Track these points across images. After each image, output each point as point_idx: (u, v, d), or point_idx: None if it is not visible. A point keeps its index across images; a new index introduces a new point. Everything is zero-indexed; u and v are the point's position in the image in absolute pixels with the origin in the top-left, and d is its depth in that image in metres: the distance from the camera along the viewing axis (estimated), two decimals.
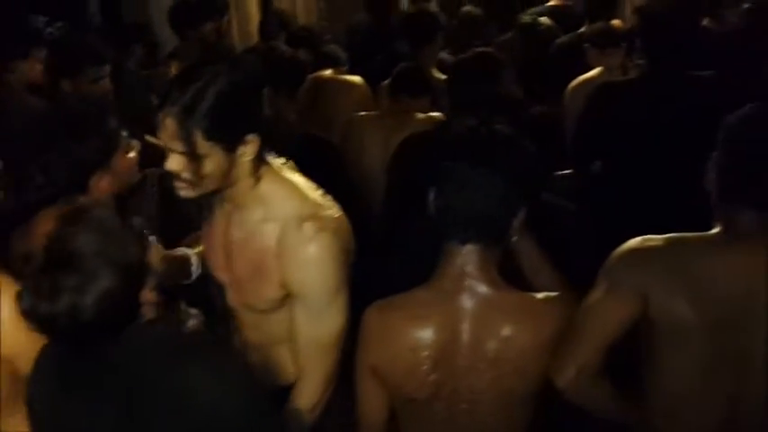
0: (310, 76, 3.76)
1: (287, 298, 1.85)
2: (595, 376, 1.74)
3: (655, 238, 1.74)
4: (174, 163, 1.72)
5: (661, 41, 2.88)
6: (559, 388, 1.73)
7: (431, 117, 3.33)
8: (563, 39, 4.63)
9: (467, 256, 1.69)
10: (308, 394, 1.88)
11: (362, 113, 3.58)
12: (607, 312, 1.73)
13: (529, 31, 4.61)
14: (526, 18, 4.73)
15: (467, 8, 5.26)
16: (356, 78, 3.99)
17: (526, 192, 1.71)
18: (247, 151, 1.75)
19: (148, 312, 1.57)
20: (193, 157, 1.69)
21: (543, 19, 4.76)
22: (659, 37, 2.88)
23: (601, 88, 3.11)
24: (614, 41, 3.94)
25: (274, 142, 1.84)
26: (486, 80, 2.75)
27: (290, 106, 3.09)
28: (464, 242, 1.69)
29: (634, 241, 1.76)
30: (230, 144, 1.72)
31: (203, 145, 1.69)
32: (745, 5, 4.44)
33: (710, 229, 1.74)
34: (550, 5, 5.37)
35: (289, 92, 3.08)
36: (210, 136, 1.69)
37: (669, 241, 1.73)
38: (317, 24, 6.83)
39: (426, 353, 1.72)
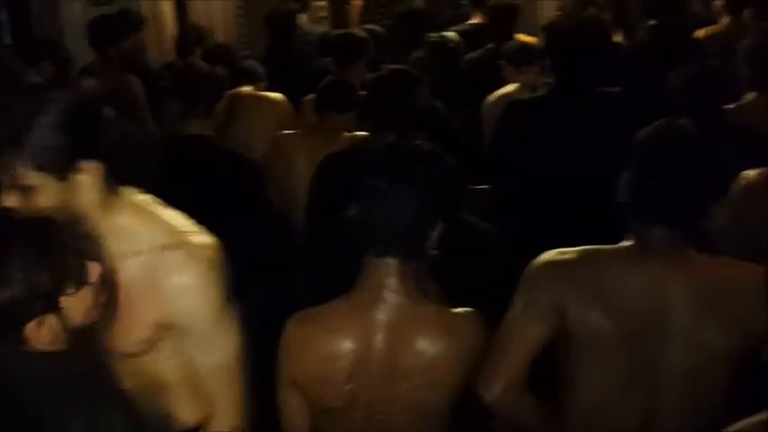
0: (228, 92, 3.73)
1: (160, 337, 1.75)
2: (521, 389, 1.78)
3: (569, 251, 1.79)
4: (10, 199, 1.61)
5: (567, 59, 2.94)
6: (487, 403, 1.76)
7: (356, 135, 3.33)
8: (472, 55, 4.73)
9: (384, 270, 1.72)
10: (228, 423, 1.84)
11: (288, 132, 3.56)
12: (528, 326, 1.77)
13: (437, 49, 4.67)
14: (434, 36, 4.81)
15: (370, 26, 5.32)
16: (276, 95, 3.97)
17: (443, 206, 1.74)
18: (84, 179, 1.64)
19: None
20: (25, 189, 1.59)
21: (452, 35, 4.84)
22: (566, 54, 2.95)
23: (511, 105, 3.17)
24: (529, 59, 4.04)
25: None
26: (402, 96, 2.77)
27: (206, 123, 3.04)
28: (382, 256, 1.71)
29: (549, 254, 1.80)
30: (61, 173, 1.61)
31: (33, 176, 1.59)
32: (650, 22, 4.62)
33: (621, 241, 1.79)
34: (472, 23, 5.47)
35: (205, 109, 3.03)
36: (39, 166, 1.58)
37: (583, 254, 1.78)
38: (236, 40, 6.79)
39: (342, 363, 1.74)
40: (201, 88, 3.03)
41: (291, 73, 4.55)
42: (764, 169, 2.54)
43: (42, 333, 1.51)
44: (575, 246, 1.80)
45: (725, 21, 4.96)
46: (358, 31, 4.53)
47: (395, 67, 3.15)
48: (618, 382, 1.74)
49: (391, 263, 1.71)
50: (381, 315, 1.72)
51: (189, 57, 4.44)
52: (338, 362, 1.73)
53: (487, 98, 3.99)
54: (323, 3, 7.34)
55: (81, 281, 1.55)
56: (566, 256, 1.78)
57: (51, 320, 1.52)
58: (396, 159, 1.71)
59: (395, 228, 1.68)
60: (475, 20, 5.50)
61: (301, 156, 3.33)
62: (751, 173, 2.53)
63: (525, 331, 1.77)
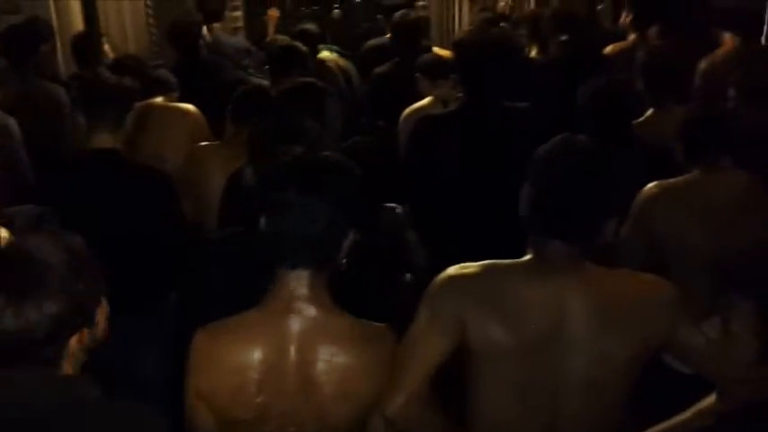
0: (138, 104, 3.63)
1: None
2: (423, 404, 1.78)
3: (471, 266, 1.81)
4: None
5: (475, 73, 2.98)
6: (388, 417, 1.75)
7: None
8: (380, 69, 4.77)
9: (296, 281, 1.71)
10: None
11: (204, 144, 3.49)
12: (430, 340, 1.78)
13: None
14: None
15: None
16: (188, 106, 3.89)
17: (354, 216, 1.74)
18: None
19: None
20: None
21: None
22: (474, 69, 2.98)
23: (421, 121, 3.19)
24: (444, 72, 4.08)
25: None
26: (310, 109, 2.77)
27: (115, 136, 2.95)
28: (293, 267, 1.71)
29: (452, 269, 1.82)
30: None
31: None
32: (562, 37, 4.74)
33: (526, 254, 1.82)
34: (389, 37, 5.50)
35: (114, 121, 2.95)
36: None
37: (484, 269, 1.80)
38: (148, 50, 6.66)
39: (253, 375, 1.72)
40: (109, 100, 2.95)
41: (201, 84, 4.49)
42: (663, 181, 2.64)
43: (80, 348, 1.54)
44: (481, 259, 1.82)
45: (632, 37, 5.13)
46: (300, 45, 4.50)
47: (303, 80, 3.14)
48: (519, 396, 1.77)
49: (303, 274, 1.71)
50: (294, 326, 1.71)
51: (97, 67, 4.32)
52: (249, 373, 1.71)
53: (404, 112, 4.01)
54: (238, 13, 7.29)
55: (103, 293, 1.61)
56: (467, 271, 1.80)
57: (86, 334, 1.55)
58: (304, 171, 1.72)
59: (306, 239, 1.68)
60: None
61: (217, 168, 3.27)
62: (651, 185, 2.63)
63: (427, 346, 1.77)
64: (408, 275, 2.90)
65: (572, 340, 1.73)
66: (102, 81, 3.09)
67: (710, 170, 2.61)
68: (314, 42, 5.08)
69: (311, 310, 1.71)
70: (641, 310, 1.74)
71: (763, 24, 4.93)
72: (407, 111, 3.98)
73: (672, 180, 2.66)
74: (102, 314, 1.60)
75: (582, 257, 1.76)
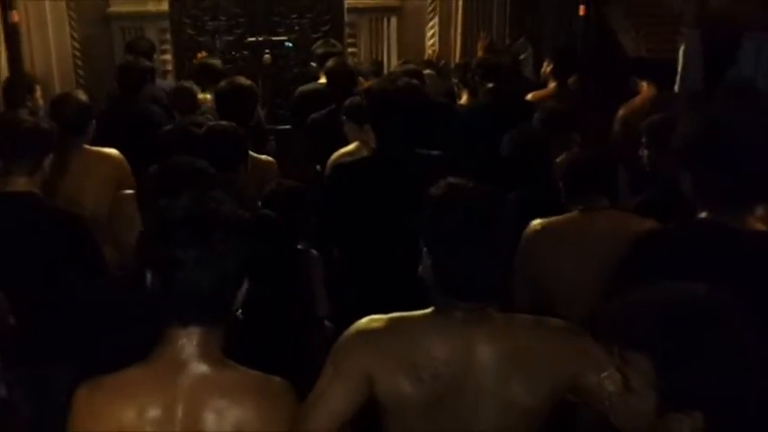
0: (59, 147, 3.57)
1: None
2: None
3: (378, 319, 1.80)
4: None
5: (387, 121, 2.98)
6: None
7: None
8: (315, 115, 4.79)
9: (187, 338, 1.64)
10: None
11: (129, 191, 3.42)
12: (334, 396, 1.74)
13: None
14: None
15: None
16: (110, 150, 3.84)
17: (247, 265, 1.69)
18: None
19: None
20: None
21: None
22: (385, 116, 2.98)
23: (334, 169, 3.19)
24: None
25: None
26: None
27: (33, 180, 2.90)
28: (185, 324, 1.64)
29: (359, 323, 1.81)
30: None
31: None
32: (489, 85, 4.87)
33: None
34: (321, 83, 5.54)
35: (31, 164, 2.89)
36: None
37: (391, 322, 1.79)
38: (75, 90, 6.57)
39: None
40: (26, 143, 2.89)
41: (135, 128, 4.45)
42: (546, 219, 2.73)
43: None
44: (391, 311, 1.82)
45: (552, 85, 5.30)
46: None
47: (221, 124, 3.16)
48: None
49: (194, 331, 1.64)
50: (182, 382, 1.63)
51: (19, 108, 4.23)
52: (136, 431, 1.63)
53: (331, 158, 4.02)
54: (167, 56, 7.27)
55: None
56: (374, 326, 1.79)
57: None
58: (192, 224, 1.64)
59: (198, 295, 1.62)
60: (323, 79, 5.58)
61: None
62: (535, 222, 2.72)
63: (331, 402, 1.74)
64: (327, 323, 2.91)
65: (481, 391, 1.73)
66: (18, 123, 3.02)
67: (588, 209, 2.73)
68: (217, 77, 5.10)
69: (201, 366, 1.64)
70: (548, 357, 1.75)
71: (675, 74, 5.16)
72: (333, 156, 3.99)
73: (554, 217, 2.76)
74: None
75: (486, 305, 1.76)
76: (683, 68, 5.55)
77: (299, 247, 3.02)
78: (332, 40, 6.21)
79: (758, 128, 1.94)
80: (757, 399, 1.24)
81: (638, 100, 4.72)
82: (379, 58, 7.17)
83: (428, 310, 1.80)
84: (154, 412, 1.63)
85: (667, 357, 1.27)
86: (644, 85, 4.81)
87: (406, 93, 3.03)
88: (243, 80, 4.27)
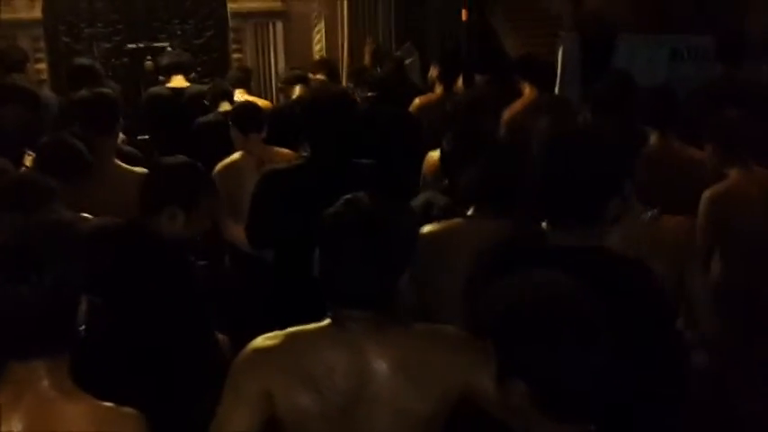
0: None
1: None
2: None
3: (274, 336, 1.78)
4: None
5: (320, 130, 2.98)
6: None
7: None
8: (207, 117, 4.71)
9: (27, 372, 1.56)
10: None
11: None
12: (240, 418, 1.72)
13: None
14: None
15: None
16: None
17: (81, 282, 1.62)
18: None
19: None
20: None
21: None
22: (319, 126, 2.98)
23: (269, 174, 3.13)
24: (257, 125, 3.99)
25: None
26: None
27: None
28: (23, 358, 1.56)
29: (254, 342, 1.78)
30: None
31: None
32: (368, 93, 4.90)
33: None
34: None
35: None
36: None
37: (285, 337, 1.77)
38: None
39: None
40: None
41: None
42: (436, 224, 2.73)
43: None
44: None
45: (438, 90, 5.37)
46: None
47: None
48: None
49: (36, 364, 1.56)
50: (23, 417, 1.55)
51: None
52: None
53: (216, 168, 3.90)
54: (42, 65, 6.96)
55: None
56: (269, 342, 1.76)
57: None
58: (13, 258, 1.55)
59: (30, 327, 1.53)
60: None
61: None
62: (427, 227, 2.69)
63: (237, 424, 1.71)
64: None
65: (376, 401, 1.73)
66: None
67: (471, 217, 2.71)
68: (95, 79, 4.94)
69: (44, 399, 1.56)
70: (439, 365, 1.75)
71: (555, 75, 5.33)
72: (218, 166, 3.89)
73: (442, 223, 2.74)
74: None
75: (379, 316, 1.75)
76: (562, 70, 5.76)
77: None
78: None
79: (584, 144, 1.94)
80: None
81: (518, 103, 4.81)
82: (266, 64, 7.08)
83: (324, 322, 1.78)
84: None
85: (501, 338, 1.46)
86: (526, 86, 4.91)
87: (340, 101, 3.05)
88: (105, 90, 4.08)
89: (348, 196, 1.79)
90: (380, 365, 1.73)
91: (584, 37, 5.59)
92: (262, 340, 1.78)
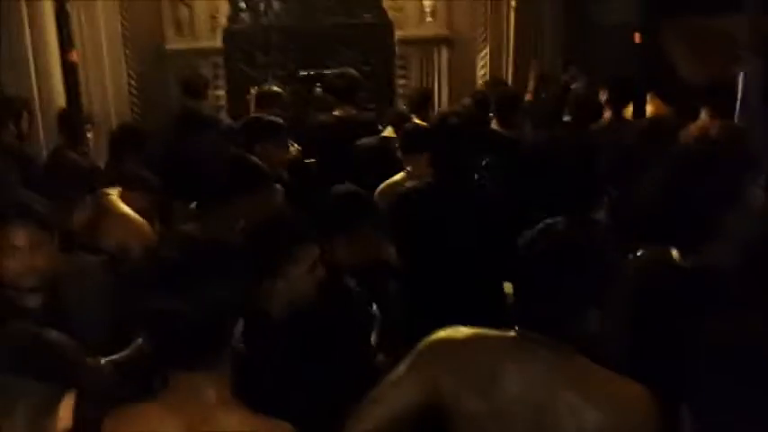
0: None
1: None
2: None
3: (461, 332, 1.84)
4: None
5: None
6: None
7: None
8: (369, 140, 4.79)
9: (193, 379, 1.65)
10: None
11: None
12: (401, 391, 1.83)
13: None
14: None
15: None
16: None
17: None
18: None
19: None
20: None
21: None
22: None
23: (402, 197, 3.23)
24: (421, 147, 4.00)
25: None
26: None
27: None
28: (190, 369, 1.65)
29: (443, 332, 1.86)
30: None
31: None
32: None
33: None
34: None
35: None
36: None
37: (473, 337, 1.83)
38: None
39: None
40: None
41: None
42: None
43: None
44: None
45: (606, 115, 5.19)
46: None
47: None
48: None
49: (199, 375, 1.66)
50: (183, 422, 1.65)
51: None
52: None
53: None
54: (221, 92, 7.36)
55: None
56: (455, 336, 1.84)
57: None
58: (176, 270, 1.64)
59: (189, 340, 1.63)
60: None
61: None
62: None
63: (396, 394, 1.83)
64: None
65: (534, 419, 1.73)
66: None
67: None
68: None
69: (205, 404, 1.65)
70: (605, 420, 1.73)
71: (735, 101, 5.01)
72: (382, 186, 3.96)
73: None
74: None
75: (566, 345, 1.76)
76: (743, 95, 5.40)
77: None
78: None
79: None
80: None
81: (693, 129, 4.58)
82: (430, 89, 7.12)
83: (509, 332, 1.81)
84: None
85: None
86: (703, 112, 4.67)
87: (467, 124, 3.22)
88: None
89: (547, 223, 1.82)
90: (555, 394, 1.71)
91: (765, 59, 5.22)
92: (449, 332, 1.85)
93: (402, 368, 1.86)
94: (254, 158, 3.30)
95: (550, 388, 1.71)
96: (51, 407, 1.55)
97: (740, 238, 1.91)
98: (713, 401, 1.72)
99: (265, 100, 5.42)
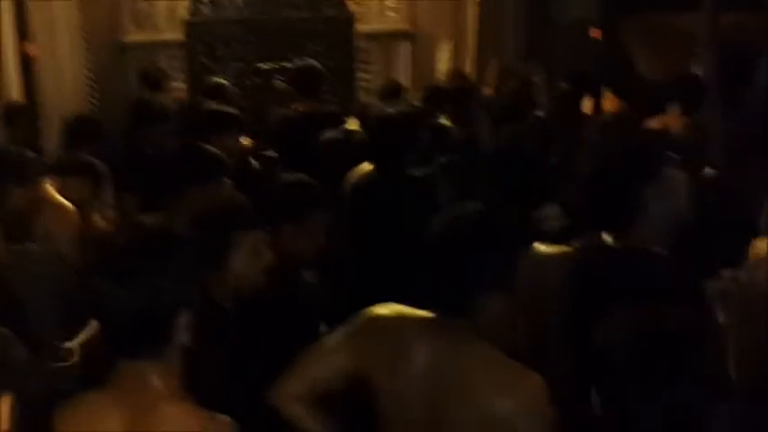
0: None
1: None
2: (313, 405, 1.94)
3: (390, 308, 1.90)
4: None
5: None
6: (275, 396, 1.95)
7: None
8: (331, 133, 4.77)
9: (138, 370, 1.66)
10: None
11: None
12: (332, 357, 1.94)
13: None
14: None
15: None
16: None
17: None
18: None
19: None
20: None
21: None
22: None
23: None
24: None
25: None
26: None
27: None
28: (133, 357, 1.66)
29: (379, 308, 1.92)
30: None
31: None
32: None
33: None
34: None
35: None
36: None
37: (396, 314, 1.90)
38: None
39: None
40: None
41: None
42: None
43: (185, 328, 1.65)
44: None
45: None
46: None
47: None
48: None
49: (144, 365, 1.68)
50: (125, 416, 1.65)
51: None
52: None
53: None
54: (182, 84, 7.29)
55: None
56: (384, 312, 1.90)
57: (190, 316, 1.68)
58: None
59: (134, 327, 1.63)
60: None
61: None
62: None
63: (331, 357, 1.93)
64: None
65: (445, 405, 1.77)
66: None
67: None
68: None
69: (148, 396, 1.65)
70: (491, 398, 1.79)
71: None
72: (350, 175, 3.97)
73: None
74: None
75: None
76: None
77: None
78: None
79: None
80: None
81: (655, 123, 4.63)
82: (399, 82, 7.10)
83: (429, 314, 1.85)
84: None
85: None
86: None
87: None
88: None
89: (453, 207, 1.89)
90: (458, 378, 1.75)
91: (722, 56, 5.31)
92: (383, 308, 1.91)
93: (336, 336, 1.96)
94: (210, 148, 3.28)
95: (454, 371, 1.75)
96: None
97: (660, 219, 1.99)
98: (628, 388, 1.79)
99: (211, 92, 5.37)
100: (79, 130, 4.35)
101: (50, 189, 3.45)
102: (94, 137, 4.30)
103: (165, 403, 1.65)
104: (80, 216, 3.44)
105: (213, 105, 4.25)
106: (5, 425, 1.59)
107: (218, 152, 3.25)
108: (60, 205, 3.39)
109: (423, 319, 1.84)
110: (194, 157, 3.17)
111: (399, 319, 1.87)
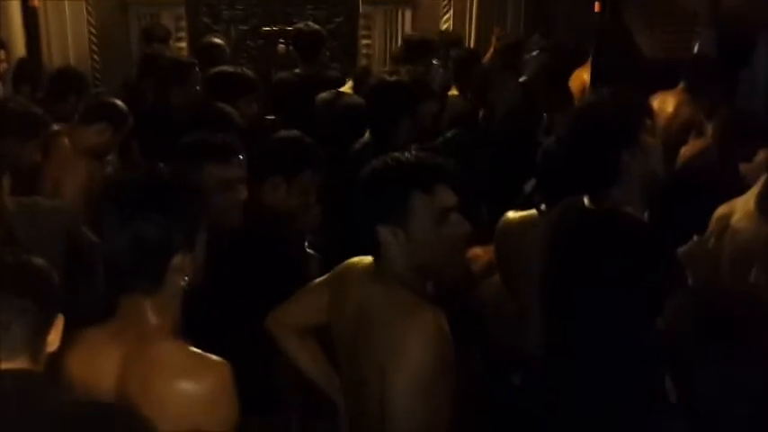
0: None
1: None
2: (304, 335, 2.26)
3: (360, 260, 2.10)
4: None
5: None
6: (268, 323, 2.24)
7: None
8: (325, 95, 4.81)
9: (135, 305, 1.76)
10: None
11: None
12: (314, 295, 2.23)
13: None
14: None
15: None
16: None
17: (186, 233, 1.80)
18: None
19: None
20: None
21: None
22: None
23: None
24: None
25: None
26: None
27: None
28: (129, 291, 1.78)
29: (352, 260, 2.15)
30: None
31: None
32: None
33: None
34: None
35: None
36: None
37: (357, 264, 2.11)
38: (90, 75, 6.61)
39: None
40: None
41: None
42: None
43: (181, 270, 1.72)
44: None
45: None
46: None
47: None
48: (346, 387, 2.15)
49: (139, 299, 1.77)
50: (122, 349, 1.76)
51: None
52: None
53: None
54: (183, 44, 7.31)
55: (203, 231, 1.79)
56: (355, 262, 2.13)
57: (188, 260, 1.74)
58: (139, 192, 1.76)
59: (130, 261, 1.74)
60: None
61: None
62: None
63: (318, 294, 2.20)
64: None
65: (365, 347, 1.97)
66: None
67: None
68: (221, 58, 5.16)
69: (143, 333, 1.73)
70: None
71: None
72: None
73: None
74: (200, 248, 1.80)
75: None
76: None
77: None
78: None
79: None
80: None
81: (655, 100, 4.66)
82: (393, 51, 7.13)
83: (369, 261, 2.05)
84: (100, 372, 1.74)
85: None
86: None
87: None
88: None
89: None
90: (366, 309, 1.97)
91: (721, 35, 5.34)
92: (357, 259, 2.12)
93: (320, 279, 2.24)
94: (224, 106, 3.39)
95: (370, 307, 1.97)
96: (44, 328, 1.63)
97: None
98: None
99: (205, 52, 5.39)
100: (65, 82, 4.45)
101: (64, 141, 3.52)
102: (80, 89, 4.38)
103: (158, 340, 1.72)
104: (95, 165, 3.50)
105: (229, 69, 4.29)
106: (55, 345, 1.68)
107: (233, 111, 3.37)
108: (71, 158, 3.46)
109: (368, 265, 2.04)
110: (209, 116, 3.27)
111: (358, 265, 2.09)
